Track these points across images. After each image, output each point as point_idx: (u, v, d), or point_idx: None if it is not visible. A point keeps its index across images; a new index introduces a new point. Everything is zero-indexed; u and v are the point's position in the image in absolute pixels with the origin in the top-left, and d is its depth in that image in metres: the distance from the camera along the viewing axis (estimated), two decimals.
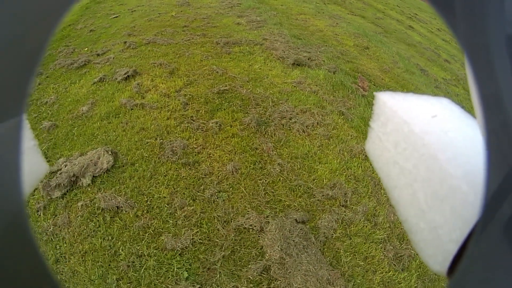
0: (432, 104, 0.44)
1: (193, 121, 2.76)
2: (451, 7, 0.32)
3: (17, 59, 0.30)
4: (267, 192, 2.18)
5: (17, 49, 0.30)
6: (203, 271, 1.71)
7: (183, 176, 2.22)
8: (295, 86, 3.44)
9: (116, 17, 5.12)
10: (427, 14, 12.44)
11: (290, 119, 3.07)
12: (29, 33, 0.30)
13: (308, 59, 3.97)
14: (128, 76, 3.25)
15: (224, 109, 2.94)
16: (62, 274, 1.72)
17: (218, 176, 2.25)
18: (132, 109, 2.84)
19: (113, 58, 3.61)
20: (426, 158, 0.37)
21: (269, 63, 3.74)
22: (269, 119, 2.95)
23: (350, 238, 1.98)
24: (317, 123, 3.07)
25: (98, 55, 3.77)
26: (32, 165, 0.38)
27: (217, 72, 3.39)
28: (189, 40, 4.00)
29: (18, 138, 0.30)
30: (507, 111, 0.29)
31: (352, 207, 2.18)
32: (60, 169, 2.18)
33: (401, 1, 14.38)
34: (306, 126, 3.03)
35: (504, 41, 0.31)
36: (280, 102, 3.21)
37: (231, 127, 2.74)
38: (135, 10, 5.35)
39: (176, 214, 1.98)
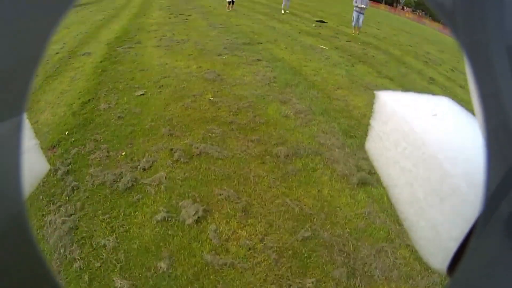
0: (432, 103, 0.44)
1: (289, 280, 2.50)
2: (450, 6, 0.32)
3: (17, 59, 0.30)
4: None
5: (17, 49, 0.30)
6: None
7: None
8: (366, 218, 3.26)
9: (143, 94, 4.60)
10: (435, 48, 12.88)
11: (370, 264, 2.92)
12: (29, 33, 0.30)
13: (369, 173, 3.80)
14: (198, 217, 2.86)
15: (314, 263, 2.70)
16: None
17: None
18: (221, 269, 2.49)
19: (166, 178, 3.16)
20: (426, 157, 0.37)
21: (335, 184, 3.50)
22: (354, 266, 2.78)
23: None
24: (392, 264, 2.95)
25: (144, 169, 3.29)
26: (33, 164, 0.39)
27: (292, 208, 3.10)
28: (245, 151, 3.64)
29: (18, 138, 0.30)
30: (507, 110, 0.29)
31: None
32: None
33: (409, 37, 14.89)
34: (384, 271, 2.92)
35: (503, 36, 0.30)
36: (359, 243, 3.03)
37: (324, 283, 2.53)
38: (162, 86, 4.84)
39: None
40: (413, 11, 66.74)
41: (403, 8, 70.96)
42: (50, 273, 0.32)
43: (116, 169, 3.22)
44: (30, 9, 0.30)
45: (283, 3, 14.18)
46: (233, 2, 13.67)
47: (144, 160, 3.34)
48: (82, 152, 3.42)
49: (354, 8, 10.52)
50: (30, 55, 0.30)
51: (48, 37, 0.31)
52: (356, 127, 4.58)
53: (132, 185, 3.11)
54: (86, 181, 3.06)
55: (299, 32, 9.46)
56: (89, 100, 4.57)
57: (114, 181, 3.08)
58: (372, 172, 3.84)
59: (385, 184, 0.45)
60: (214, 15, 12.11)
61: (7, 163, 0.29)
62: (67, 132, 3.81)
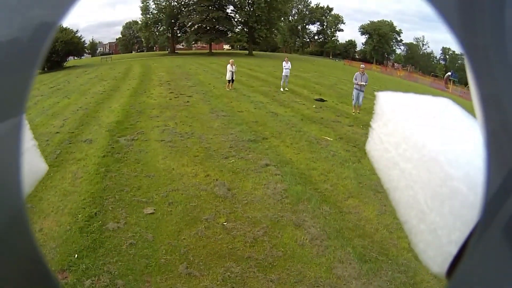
0: (432, 104, 0.45)
1: None
2: (450, 8, 0.32)
3: (17, 59, 0.30)
4: None
5: (17, 49, 0.30)
6: None
7: None
8: None
9: (152, 213, 4.42)
10: None
11: None
12: (29, 33, 0.30)
13: None
14: None
15: None
16: None
17: None
18: None
19: None
20: (426, 159, 0.37)
21: None
22: None
23: None
24: None
25: None
26: (32, 165, 0.39)
27: None
28: None
29: (18, 138, 0.30)
30: (507, 111, 0.29)
31: None
32: None
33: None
34: None
35: (503, 37, 0.30)
36: None
37: None
38: (171, 203, 4.67)
39: None
40: (403, 66, 70.66)
41: (393, 65, 75.01)
42: (50, 272, 0.32)
43: None
44: (31, 9, 0.30)
45: (282, 80, 14.66)
46: (232, 81, 14.09)
47: None
48: (97, 285, 3.23)
49: (354, 86, 10.74)
50: (29, 55, 0.30)
51: (47, 37, 0.31)
52: (370, 247, 4.38)
53: None
54: None
55: (302, 119, 9.59)
56: (95, 213, 4.46)
57: None
58: None
59: (386, 187, 0.44)
60: (215, 97, 12.44)
61: (7, 163, 0.29)
62: (76, 256, 3.69)
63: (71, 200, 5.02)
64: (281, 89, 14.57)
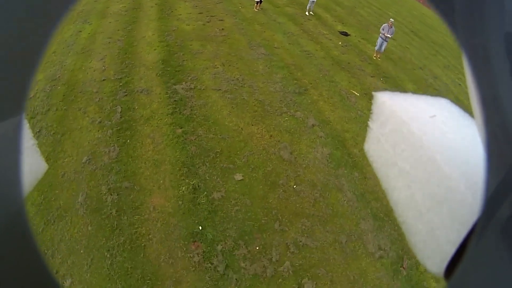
0: (431, 104, 0.46)
1: None
2: (450, 7, 0.34)
3: (17, 58, 0.31)
4: None
5: (17, 48, 0.31)
6: None
7: None
8: None
9: (241, 180, 6.04)
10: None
11: None
12: (30, 33, 0.31)
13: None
14: None
15: None
16: None
17: None
18: None
19: (291, 265, 4.98)
20: (424, 160, 0.39)
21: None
22: None
23: None
24: None
25: (276, 261, 5.05)
26: (32, 164, 0.40)
27: None
28: (326, 239, 5.46)
29: (17, 138, 0.32)
30: (506, 112, 0.30)
31: None
32: None
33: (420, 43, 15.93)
34: None
35: (503, 38, 0.31)
36: None
37: None
38: (253, 168, 6.32)
39: None
40: None
41: None
42: (49, 272, 0.32)
43: (258, 262, 4.96)
44: (31, 8, 0.31)
45: (308, 5, 14.88)
46: (260, 2, 14.23)
47: (274, 253, 5.07)
48: (226, 248, 5.02)
49: (380, 35, 11.68)
50: (30, 53, 0.31)
51: (48, 36, 0.32)
52: (380, 209, 6.28)
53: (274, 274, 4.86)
54: (242, 273, 4.75)
55: (332, 64, 10.71)
56: (198, 185, 5.79)
57: (263, 272, 4.84)
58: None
59: (384, 187, 0.46)
60: (246, 22, 12.91)
61: (7, 162, 0.30)
62: (200, 227, 5.14)
63: (165, 171, 5.91)
64: (306, 13, 14.93)
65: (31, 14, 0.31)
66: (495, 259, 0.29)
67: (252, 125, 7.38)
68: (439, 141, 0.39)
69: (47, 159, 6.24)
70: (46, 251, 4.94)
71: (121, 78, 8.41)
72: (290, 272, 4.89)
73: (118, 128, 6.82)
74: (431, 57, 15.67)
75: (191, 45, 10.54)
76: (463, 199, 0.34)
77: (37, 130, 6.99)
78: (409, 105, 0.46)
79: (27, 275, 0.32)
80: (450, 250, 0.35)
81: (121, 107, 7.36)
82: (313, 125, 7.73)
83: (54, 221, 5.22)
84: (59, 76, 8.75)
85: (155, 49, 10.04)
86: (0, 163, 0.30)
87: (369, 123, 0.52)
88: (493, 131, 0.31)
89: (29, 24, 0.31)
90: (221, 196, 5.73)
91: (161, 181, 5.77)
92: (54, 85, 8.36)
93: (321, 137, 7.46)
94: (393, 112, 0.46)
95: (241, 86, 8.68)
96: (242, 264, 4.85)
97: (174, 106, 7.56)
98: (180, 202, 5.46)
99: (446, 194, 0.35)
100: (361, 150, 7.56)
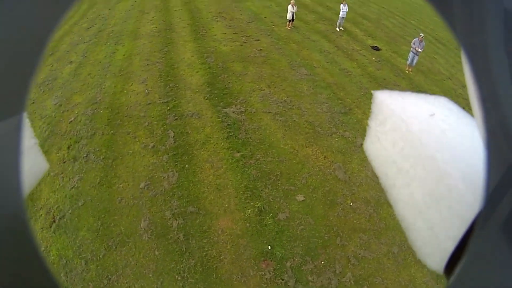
0: (430, 102, 0.46)
1: None
2: (450, 7, 0.34)
3: (17, 58, 0.31)
4: None
5: (18, 48, 0.31)
6: None
7: None
8: None
9: (303, 200, 6.80)
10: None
11: None
12: (30, 32, 0.31)
13: None
14: None
15: None
16: None
17: None
18: None
19: (352, 275, 5.78)
20: (423, 158, 0.39)
21: None
22: None
23: None
24: None
25: (340, 273, 5.88)
26: (32, 164, 0.41)
27: None
28: (380, 250, 6.24)
29: (18, 137, 0.32)
30: (505, 110, 0.30)
31: None
32: None
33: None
34: None
35: (503, 16, 0.32)
36: None
37: None
38: (312, 189, 7.09)
39: None
40: None
41: None
42: (49, 272, 0.32)
43: (324, 275, 5.79)
44: (31, 8, 0.31)
45: (338, 21, 15.60)
46: (292, 20, 14.91)
47: (337, 266, 5.87)
48: (294, 264, 5.72)
49: (411, 49, 12.30)
50: (30, 53, 0.31)
51: (48, 35, 0.32)
52: None
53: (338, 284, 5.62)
54: (310, 286, 5.51)
55: (370, 81, 11.39)
56: (263, 208, 6.36)
57: (328, 283, 5.63)
58: None
59: (383, 185, 0.46)
60: (282, 41, 13.63)
61: (7, 162, 0.31)
62: (269, 247, 5.72)
63: (229, 195, 6.32)
64: (337, 28, 15.66)
65: (31, 13, 0.31)
66: (495, 256, 0.30)
67: (306, 147, 8.13)
68: (438, 139, 0.39)
69: (100, 184, 6.77)
70: (109, 276, 5.32)
71: (167, 102, 8.90)
72: (352, 282, 5.62)
73: (174, 153, 7.34)
74: (457, 65, 16.10)
75: (233, 66, 11.15)
76: (462, 197, 0.34)
77: (84, 155, 7.43)
78: (409, 103, 0.47)
79: (27, 275, 0.32)
80: (450, 247, 0.36)
81: (174, 132, 7.75)
82: (361, 144, 8.45)
83: (116, 247, 5.62)
84: (99, 99, 9.38)
85: (197, 71, 10.58)
86: (0, 163, 0.31)
87: (369, 121, 0.52)
88: (493, 129, 0.31)
89: (30, 23, 0.32)
90: (286, 216, 6.41)
91: (226, 205, 6.21)
92: (96, 109, 9.02)
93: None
94: (392, 110, 0.47)
95: (290, 108, 9.43)
96: (310, 278, 5.56)
97: (228, 130, 8.03)
98: (247, 224, 5.95)
99: (445, 192, 0.36)
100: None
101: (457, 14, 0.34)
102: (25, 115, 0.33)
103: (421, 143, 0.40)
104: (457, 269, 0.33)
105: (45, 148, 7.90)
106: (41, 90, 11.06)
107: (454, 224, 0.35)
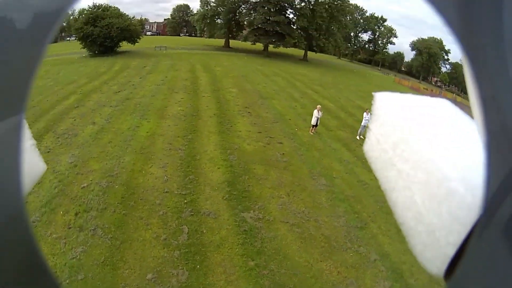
0: (430, 105, 0.46)
1: None
2: (450, 8, 0.34)
3: (17, 59, 0.31)
4: None
5: (18, 48, 0.31)
6: None
7: None
8: None
9: None
10: None
11: None
12: (30, 33, 0.32)
13: None
14: None
15: None
16: None
17: None
18: None
19: None
20: (423, 160, 0.39)
21: None
22: None
23: None
24: None
25: None
26: (31, 164, 0.40)
27: None
28: None
29: (17, 138, 0.32)
30: (506, 112, 0.30)
31: None
32: None
33: None
34: None
35: (503, 16, 0.31)
36: None
37: None
38: None
39: None
40: (447, 87, 71.82)
41: (436, 82, 79.09)
42: (49, 271, 0.33)
43: None
44: (31, 8, 0.31)
45: (360, 128, 16.38)
46: (316, 125, 15.83)
47: None
48: None
49: None
50: (29, 54, 0.32)
51: (48, 36, 0.32)
52: None
53: None
54: None
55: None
56: None
57: None
58: None
59: (383, 188, 0.47)
60: (304, 147, 14.24)
61: (7, 162, 0.31)
62: None
63: None
64: (357, 137, 16.45)
65: (31, 14, 0.31)
66: (495, 260, 0.29)
67: (321, 261, 8.11)
68: (438, 142, 0.39)
69: (104, 264, 6.61)
70: None
71: (185, 195, 8.74)
72: None
73: (186, 250, 7.21)
74: None
75: (254, 169, 11.38)
76: (463, 200, 0.34)
77: (92, 228, 7.34)
78: (409, 106, 0.46)
79: (27, 274, 0.32)
80: (450, 251, 0.36)
81: (188, 228, 7.59)
82: (375, 260, 8.49)
83: None
84: (116, 173, 9.47)
85: (218, 168, 10.64)
86: (0, 163, 0.31)
87: (369, 124, 0.52)
88: (493, 131, 0.31)
89: (29, 23, 0.32)
90: None
91: None
92: (111, 182, 9.04)
93: (382, 271, 8.13)
94: (392, 113, 0.47)
95: (307, 220, 9.55)
96: None
97: (244, 236, 7.90)
98: None
99: (446, 195, 0.35)
100: (417, 279, 8.05)
101: (457, 16, 0.34)
102: (24, 116, 0.33)
103: (421, 146, 0.40)
104: (457, 274, 0.33)
105: (52, 206, 7.86)
106: (59, 141, 11.30)
107: (454, 228, 0.35)
